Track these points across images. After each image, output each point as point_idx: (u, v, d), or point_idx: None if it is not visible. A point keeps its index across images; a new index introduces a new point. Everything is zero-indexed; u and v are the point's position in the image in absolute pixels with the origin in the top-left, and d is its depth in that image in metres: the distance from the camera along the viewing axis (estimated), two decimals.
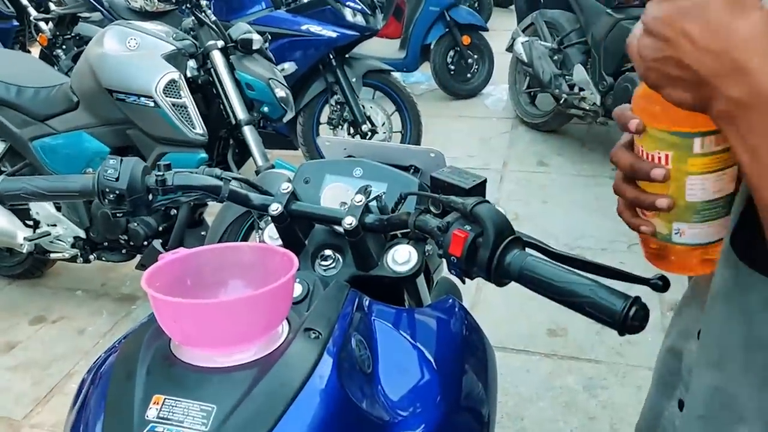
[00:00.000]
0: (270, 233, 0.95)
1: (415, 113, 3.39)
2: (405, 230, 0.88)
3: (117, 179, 0.85)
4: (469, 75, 4.75)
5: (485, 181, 0.76)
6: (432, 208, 0.77)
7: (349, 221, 0.80)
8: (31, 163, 2.35)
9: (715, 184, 0.53)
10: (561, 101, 3.63)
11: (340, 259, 0.88)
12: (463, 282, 0.72)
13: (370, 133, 3.20)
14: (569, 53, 3.56)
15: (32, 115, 2.28)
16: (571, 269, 0.63)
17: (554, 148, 3.90)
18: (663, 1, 0.46)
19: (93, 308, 2.58)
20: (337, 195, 0.92)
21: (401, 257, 0.86)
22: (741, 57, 0.43)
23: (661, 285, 0.63)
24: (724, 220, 0.56)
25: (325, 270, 0.87)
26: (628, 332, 0.56)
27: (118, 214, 0.87)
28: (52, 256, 2.49)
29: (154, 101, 2.10)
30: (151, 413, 0.59)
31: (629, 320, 0.55)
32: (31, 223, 2.46)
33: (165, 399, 0.60)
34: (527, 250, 0.67)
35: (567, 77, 3.57)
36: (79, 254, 2.43)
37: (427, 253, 0.90)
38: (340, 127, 3.28)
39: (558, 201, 3.23)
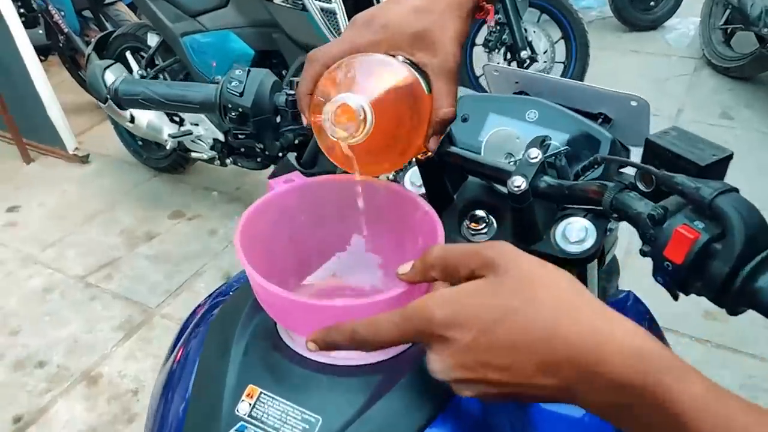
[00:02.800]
0: (412, 178, 0.78)
1: (584, 43, 2.99)
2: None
3: (241, 94, 0.71)
4: (652, 3, 4.13)
5: (730, 156, 0.53)
6: (640, 184, 0.55)
7: (518, 183, 0.60)
8: (180, 59, 2.34)
9: None
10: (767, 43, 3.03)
11: (494, 224, 0.70)
12: (675, 299, 0.50)
13: (528, 61, 2.86)
14: None
15: (184, 10, 2.26)
16: None
17: (743, 99, 3.31)
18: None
19: (226, 211, 2.62)
20: (503, 142, 0.72)
21: (575, 234, 0.66)
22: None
23: None
24: None
25: (473, 235, 0.69)
26: None
27: (240, 136, 0.74)
28: (193, 155, 2.54)
29: (303, 4, 1.97)
30: (243, 408, 0.46)
31: None
32: (177, 120, 2.50)
33: (261, 393, 0.46)
34: None
35: None
36: (216, 156, 2.45)
37: (606, 233, 0.69)
38: (496, 50, 2.98)
39: (741, 162, 2.73)
